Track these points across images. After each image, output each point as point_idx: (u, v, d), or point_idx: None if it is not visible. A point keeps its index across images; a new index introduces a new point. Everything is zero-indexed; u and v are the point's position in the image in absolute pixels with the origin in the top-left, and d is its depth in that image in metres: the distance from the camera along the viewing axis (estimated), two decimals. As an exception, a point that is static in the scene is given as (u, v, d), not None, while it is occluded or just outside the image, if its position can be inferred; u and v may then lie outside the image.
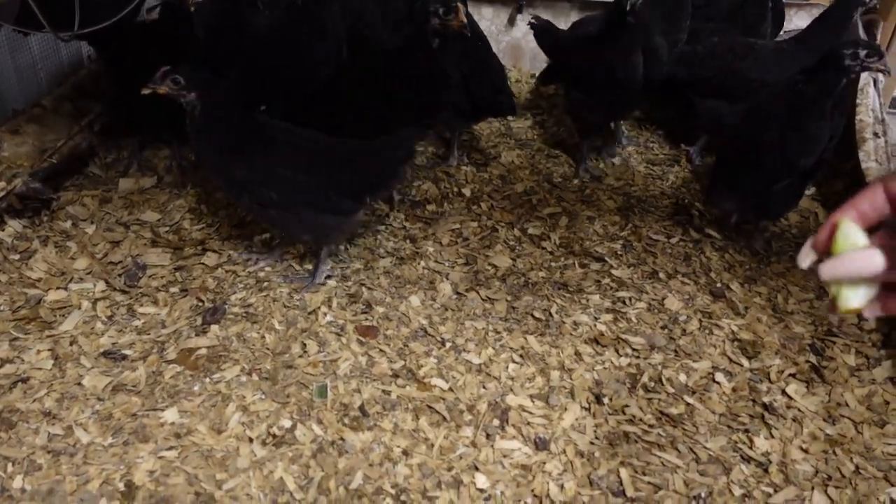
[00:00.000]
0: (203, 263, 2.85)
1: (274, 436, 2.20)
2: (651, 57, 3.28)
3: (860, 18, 4.06)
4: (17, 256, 2.81)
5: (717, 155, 3.36)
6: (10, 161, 3.00)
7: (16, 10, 2.55)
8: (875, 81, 3.68)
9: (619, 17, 3.15)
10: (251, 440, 2.18)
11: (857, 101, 3.57)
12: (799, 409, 2.42)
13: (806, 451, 2.28)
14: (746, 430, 2.33)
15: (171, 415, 2.23)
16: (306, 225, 2.68)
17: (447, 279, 2.88)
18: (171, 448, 2.13)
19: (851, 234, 0.86)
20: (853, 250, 0.83)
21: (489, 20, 4.47)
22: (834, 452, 2.28)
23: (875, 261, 0.82)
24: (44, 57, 3.55)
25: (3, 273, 2.73)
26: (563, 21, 4.42)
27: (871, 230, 0.89)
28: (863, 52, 2.64)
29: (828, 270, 0.85)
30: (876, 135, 3.39)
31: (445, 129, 3.71)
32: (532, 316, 2.73)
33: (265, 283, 2.77)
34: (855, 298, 0.85)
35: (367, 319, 2.65)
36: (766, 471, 2.21)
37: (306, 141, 2.64)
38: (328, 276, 2.82)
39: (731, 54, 3.51)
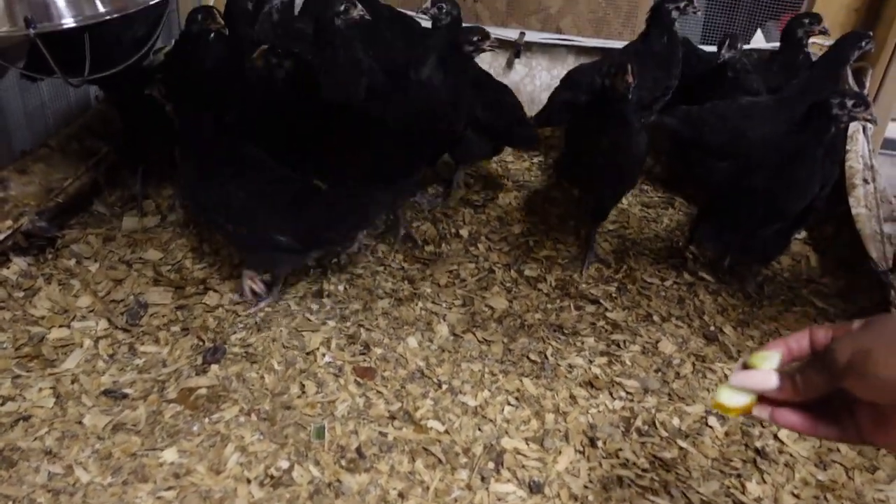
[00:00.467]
0: (204, 303, 2.90)
1: (272, 477, 2.23)
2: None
3: (849, 67, 4.17)
4: (21, 294, 2.86)
5: (707, 195, 3.42)
6: (17, 200, 3.06)
7: (23, 52, 2.62)
8: (864, 128, 3.76)
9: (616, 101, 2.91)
10: (249, 481, 2.21)
11: (847, 147, 3.64)
12: (791, 455, 2.45)
13: (798, 496, 2.31)
14: (739, 475, 2.36)
15: (170, 455, 2.26)
16: (253, 253, 2.86)
17: (444, 320, 2.92)
18: (169, 488, 2.16)
19: (768, 358, 1.10)
20: (761, 369, 1.08)
21: (488, 63, 4.56)
22: (825, 498, 2.31)
23: (770, 380, 1.06)
24: (52, 98, 3.63)
25: (7, 310, 2.78)
26: (561, 66, 4.52)
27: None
28: (850, 102, 2.71)
29: (737, 377, 1.10)
30: (865, 181, 3.46)
31: (460, 161, 3.77)
32: (528, 358, 2.77)
33: (265, 324, 2.81)
34: (725, 397, 1.11)
35: (364, 360, 2.69)
36: (757, 516, 2.24)
37: (268, 175, 2.81)
38: (328, 318, 2.87)
39: (739, 115, 3.53)
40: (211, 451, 2.29)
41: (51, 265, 3.02)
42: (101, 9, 2.29)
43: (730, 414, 1.11)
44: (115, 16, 2.29)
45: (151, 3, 2.40)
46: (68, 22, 2.26)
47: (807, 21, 3.80)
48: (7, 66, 2.74)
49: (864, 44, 3.61)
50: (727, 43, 3.19)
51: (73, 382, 2.51)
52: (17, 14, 2.15)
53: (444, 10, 3.34)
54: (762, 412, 1.10)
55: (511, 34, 4.47)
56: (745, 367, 1.13)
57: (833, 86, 3.48)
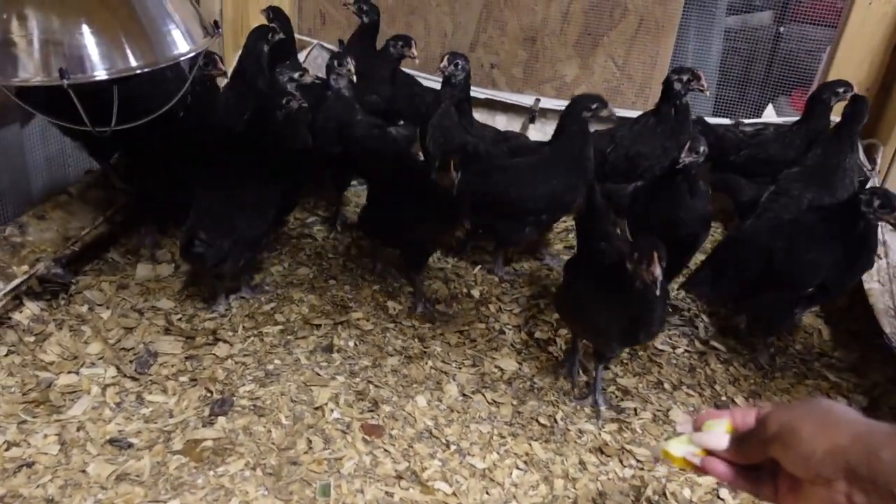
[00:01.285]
0: (214, 354, 2.89)
1: (275, 534, 2.19)
2: None
3: (860, 142, 4.22)
4: (31, 339, 2.86)
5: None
6: (34, 245, 3.08)
7: (41, 99, 2.65)
8: (876, 203, 3.77)
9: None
10: (252, 538, 2.17)
11: (860, 222, 3.66)
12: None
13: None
14: (751, 550, 2.31)
15: (173, 507, 2.23)
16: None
17: (454, 380, 2.90)
18: (171, 542, 2.12)
19: (720, 424, 1.27)
20: (715, 431, 1.25)
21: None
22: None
23: (722, 442, 1.22)
24: (73, 145, 3.69)
25: (18, 355, 2.78)
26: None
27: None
28: (877, 202, 2.75)
29: (695, 436, 1.27)
30: (878, 256, 3.46)
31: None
32: (537, 422, 2.74)
33: (274, 377, 2.80)
34: (674, 448, 1.28)
35: (373, 418, 2.67)
36: None
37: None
38: (337, 374, 2.86)
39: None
40: (214, 506, 2.26)
41: (63, 311, 3.03)
42: (133, 62, 2.35)
43: (675, 464, 1.30)
44: (146, 70, 2.35)
45: (182, 58, 2.46)
46: (101, 74, 2.32)
47: (841, 90, 3.79)
48: (33, 113, 2.78)
49: (841, 90, 3.73)
50: (687, 146, 3.05)
51: (78, 430, 2.49)
52: (52, 65, 2.21)
53: (459, 67, 3.56)
54: (714, 466, 1.25)
55: (527, 100, 4.56)
56: (697, 428, 1.30)
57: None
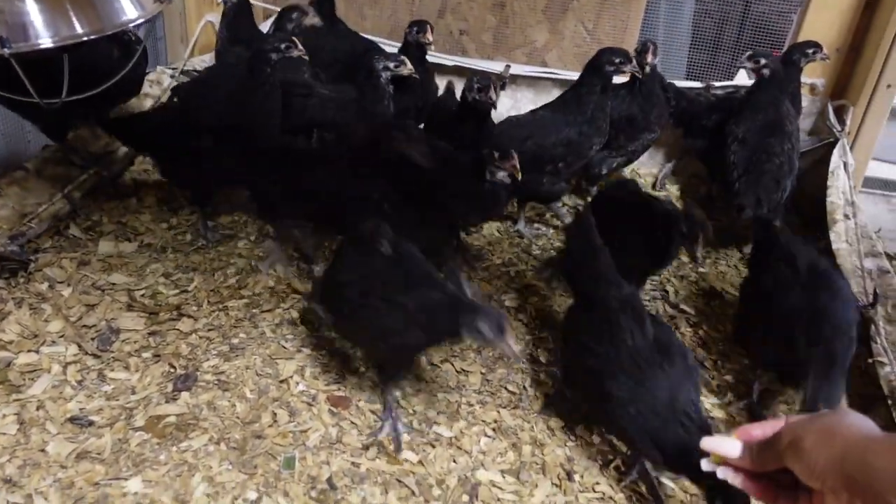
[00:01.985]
0: (178, 329, 2.84)
1: (239, 508, 2.16)
2: None
3: (831, 105, 4.21)
4: (-10, 318, 2.80)
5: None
6: (-10, 222, 3.01)
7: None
8: (845, 164, 3.78)
9: None
10: (216, 512, 2.15)
11: (829, 183, 3.66)
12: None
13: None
14: (718, 511, 2.31)
15: (134, 484, 2.20)
16: None
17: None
18: (132, 519, 2.09)
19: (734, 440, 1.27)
20: (726, 438, 1.27)
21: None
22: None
23: (735, 449, 1.24)
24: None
25: (-25, 334, 2.72)
26: (545, 98, 4.53)
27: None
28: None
29: (707, 442, 1.29)
30: (846, 216, 3.47)
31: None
32: (506, 389, 2.73)
33: (239, 350, 2.76)
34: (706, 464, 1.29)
35: (339, 389, 2.64)
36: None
37: None
38: (303, 346, 2.82)
39: None
40: (177, 481, 2.23)
41: (22, 289, 2.96)
42: (80, 29, 2.28)
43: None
44: (93, 37, 2.27)
45: (130, 24, 2.38)
46: (45, 42, 2.24)
47: (810, 51, 3.81)
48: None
49: (810, 52, 3.74)
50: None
51: (38, 409, 2.44)
52: (-8, 33, 2.14)
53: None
54: (727, 474, 1.27)
55: (497, 67, 4.49)
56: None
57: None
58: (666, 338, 2.29)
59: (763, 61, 3.62)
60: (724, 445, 1.25)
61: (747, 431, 1.25)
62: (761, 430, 1.24)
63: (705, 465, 1.29)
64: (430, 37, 3.74)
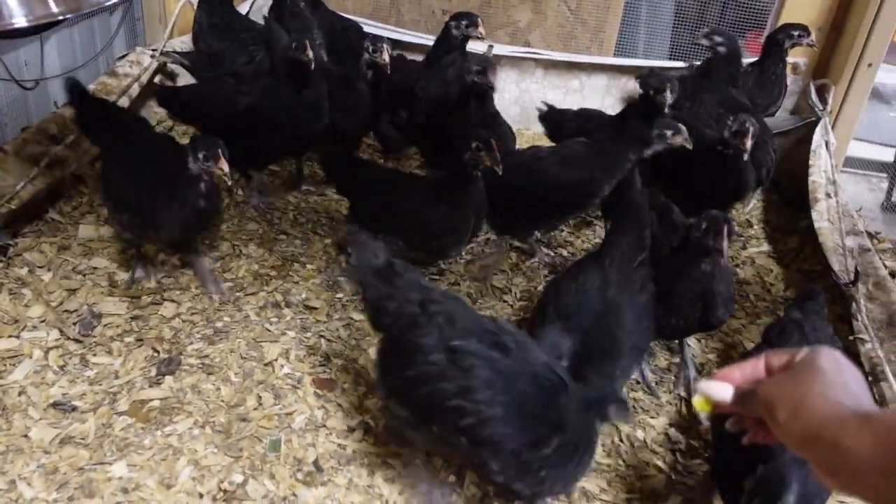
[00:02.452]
0: (160, 314, 2.82)
1: (225, 491, 2.16)
2: None
3: (812, 84, 4.23)
4: (-31, 303, 2.76)
5: None
6: (-32, 206, 2.96)
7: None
8: (827, 143, 3.80)
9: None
10: (201, 496, 2.14)
11: (811, 162, 3.67)
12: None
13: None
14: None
15: (119, 469, 2.19)
16: None
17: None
18: (117, 503, 2.08)
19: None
20: (719, 382, 1.25)
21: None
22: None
23: (725, 392, 1.23)
24: (10, 103, 3.53)
25: (-46, 320, 2.68)
26: (529, 79, 4.52)
27: None
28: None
29: (702, 384, 1.26)
30: (828, 195, 3.49)
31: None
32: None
33: (223, 335, 2.75)
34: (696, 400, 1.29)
35: (324, 372, 2.63)
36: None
37: None
38: (288, 329, 2.81)
39: None
40: (162, 465, 2.22)
41: (2, 274, 2.92)
42: (55, 9, 2.23)
43: (699, 408, 1.28)
44: (68, 16, 2.23)
45: (107, 3, 2.34)
46: (20, 22, 2.20)
47: (796, 33, 3.82)
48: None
49: (796, 34, 3.76)
50: None
51: (20, 395, 2.42)
52: (-35, 13, 2.09)
53: None
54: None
55: (480, 47, 4.46)
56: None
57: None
58: None
59: (718, 39, 3.62)
60: (718, 389, 1.23)
61: (728, 375, 1.24)
62: (741, 372, 1.24)
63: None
64: (482, 30, 3.63)
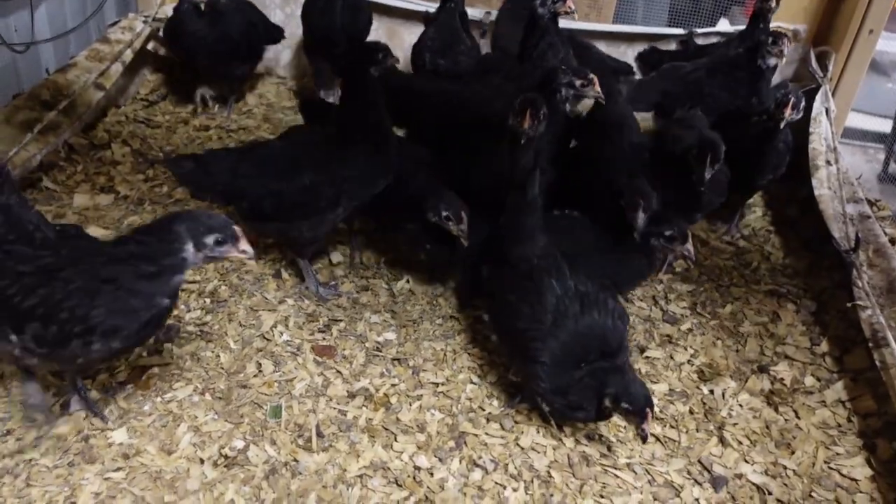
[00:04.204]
0: (158, 281, 2.79)
1: (226, 457, 2.15)
2: None
3: (813, 51, 4.19)
4: (-36, 272, 2.73)
5: None
6: (-40, 174, 2.92)
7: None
8: (827, 111, 3.77)
9: None
10: (202, 461, 2.13)
11: (811, 129, 3.64)
12: (753, 431, 2.45)
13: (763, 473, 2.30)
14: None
15: (119, 435, 2.17)
16: None
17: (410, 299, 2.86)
18: (118, 469, 2.08)
19: None
20: None
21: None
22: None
23: None
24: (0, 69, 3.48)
25: (-51, 288, 2.65)
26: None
27: None
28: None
29: None
30: (828, 162, 3.47)
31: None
32: (492, 338, 2.72)
33: (221, 302, 2.73)
34: None
35: (324, 339, 2.62)
36: (715, 491, 2.23)
37: None
38: (286, 297, 2.80)
39: None
40: (162, 432, 2.21)
41: (-4, 242, 2.89)
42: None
43: None
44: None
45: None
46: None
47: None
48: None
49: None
50: None
51: (17, 363, 2.40)
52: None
53: None
54: None
55: (476, 14, 4.40)
56: None
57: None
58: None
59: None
60: None
61: None
62: None
63: None
64: (571, 4, 3.46)
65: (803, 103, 3.04)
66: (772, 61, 3.46)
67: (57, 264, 1.90)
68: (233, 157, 2.73)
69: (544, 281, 2.29)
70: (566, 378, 2.17)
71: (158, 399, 2.32)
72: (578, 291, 2.28)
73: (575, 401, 2.17)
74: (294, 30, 4.25)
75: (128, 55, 3.83)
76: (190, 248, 1.89)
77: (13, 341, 1.90)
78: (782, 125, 2.98)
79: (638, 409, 2.07)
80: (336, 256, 3.10)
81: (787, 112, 2.95)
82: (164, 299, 1.91)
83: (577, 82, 2.92)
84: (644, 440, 2.14)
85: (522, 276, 2.36)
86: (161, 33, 4.01)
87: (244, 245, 1.95)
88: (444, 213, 2.58)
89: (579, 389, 2.16)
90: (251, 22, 3.93)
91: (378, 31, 4.41)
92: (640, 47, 4.39)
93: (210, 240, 1.90)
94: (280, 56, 4.65)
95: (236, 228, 1.95)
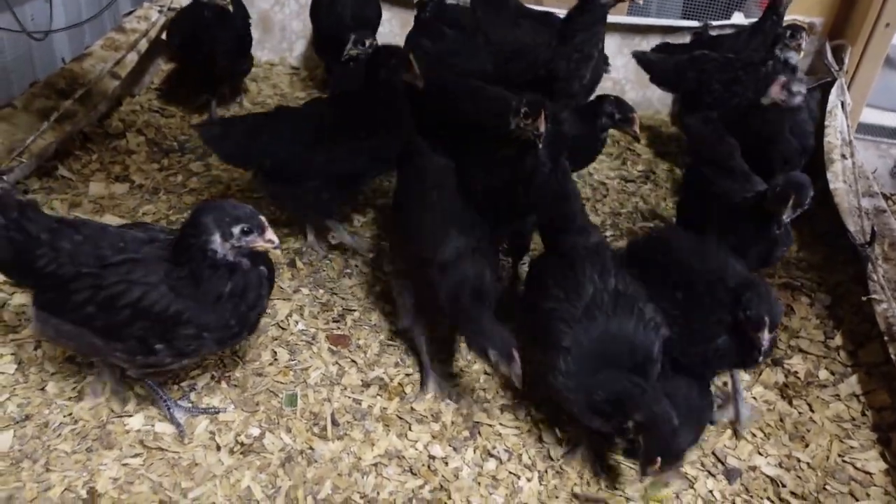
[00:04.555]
0: (173, 269, 2.81)
1: (242, 444, 2.17)
2: None
3: (828, 44, 4.16)
4: (-19, 259, 2.75)
5: None
6: (-22, 161, 2.94)
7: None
8: (843, 104, 3.75)
9: None
10: (219, 448, 2.15)
11: (826, 122, 3.63)
12: (767, 423, 2.45)
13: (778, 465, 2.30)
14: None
15: (137, 421, 2.19)
16: None
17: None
18: (136, 455, 2.10)
19: None
20: None
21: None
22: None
23: None
24: (15, 59, 3.49)
25: (-33, 275, 2.67)
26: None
27: None
28: None
29: None
30: (843, 156, 3.46)
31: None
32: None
33: (236, 291, 2.74)
34: None
35: (339, 328, 2.63)
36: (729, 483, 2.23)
37: None
38: (301, 286, 2.81)
39: None
40: (180, 419, 2.23)
41: (13, 230, 2.91)
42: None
43: None
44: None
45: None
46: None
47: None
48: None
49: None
50: None
51: (35, 349, 2.42)
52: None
53: None
54: None
55: None
56: None
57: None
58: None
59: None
60: None
61: None
62: None
63: None
64: None
65: (798, 88, 2.98)
66: (791, 55, 3.40)
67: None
68: (259, 120, 2.92)
69: (586, 270, 2.23)
70: (586, 376, 2.07)
71: (175, 387, 2.33)
72: (618, 291, 2.19)
73: (595, 404, 2.05)
74: (308, 20, 4.25)
75: (143, 45, 3.83)
76: (217, 238, 1.90)
77: (158, 350, 1.98)
78: (785, 219, 2.56)
79: (660, 449, 1.92)
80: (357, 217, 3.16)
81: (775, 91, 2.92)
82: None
83: (618, 116, 2.97)
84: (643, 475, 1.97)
85: (565, 264, 2.31)
86: (169, 39, 3.96)
87: (270, 234, 1.97)
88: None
89: (602, 394, 2.04)
90: (243, 15, 3.92)
91: (392, 21, 4.41)
92: (656, 40, 4.37)
93: (237, 230, 1.92)
94: (294, 46, 4.65)
95: (262, 218, 1.97)
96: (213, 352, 2.18)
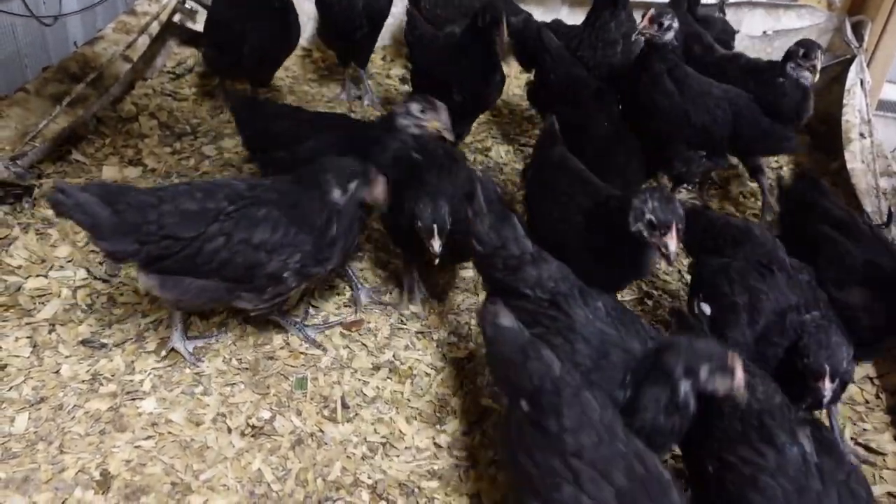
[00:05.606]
0: (186, 253, 2.83)
1: (253, 427, 2.19)
2: None
3: (848, 20, 4.09)
4: (-3, 243, 2.78)
5: None
6: (-8, 145, 2.96)
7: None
8: (862, 82, 3.68)
9: None
10: (230, 430, 2.17)
11: (844, 101, 3.57)
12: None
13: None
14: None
15: (149, 404, 2.22)
16: None
17: (434, 274, 2.87)
18: (148, 437, 2.12)
19: None
20: None
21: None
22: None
23: None
24: (28, 44, 3.51)
25: (-17, 259, 2.70)
26: (555, 15, 4.41)
27: None
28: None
29: None
30: (862, 135, 3.40)
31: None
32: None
33: (248, 274, 2.75)
34: None
35: (350, 313, 2.64)
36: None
37: None
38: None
39: None
40: (191, 401, 2.25)
41: (28, 214, 2.93)
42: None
43: None
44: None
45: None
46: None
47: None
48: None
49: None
50: None
51: (50, 332, 2.45)
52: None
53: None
54: None
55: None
56: None
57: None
58: None
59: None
60: None
61: None
62: None
63: None
64: None
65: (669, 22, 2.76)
66: (805, 76, 3.03)
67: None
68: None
69: None
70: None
71: (187, 370, 2.36)
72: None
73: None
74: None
75: (154, 28, 3.84)
76: (337, 192, 2.24)
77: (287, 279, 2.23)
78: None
79: None
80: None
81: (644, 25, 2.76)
82: None
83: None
84: None
85: None
86: (210, 50, 3.73)
87: (377, 189, 2.31)
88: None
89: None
90: None
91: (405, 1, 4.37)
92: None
93: (353, 185, 2.27)
94: (305, 28, 4.62)
95: (371, 174, 2.30)
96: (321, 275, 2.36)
